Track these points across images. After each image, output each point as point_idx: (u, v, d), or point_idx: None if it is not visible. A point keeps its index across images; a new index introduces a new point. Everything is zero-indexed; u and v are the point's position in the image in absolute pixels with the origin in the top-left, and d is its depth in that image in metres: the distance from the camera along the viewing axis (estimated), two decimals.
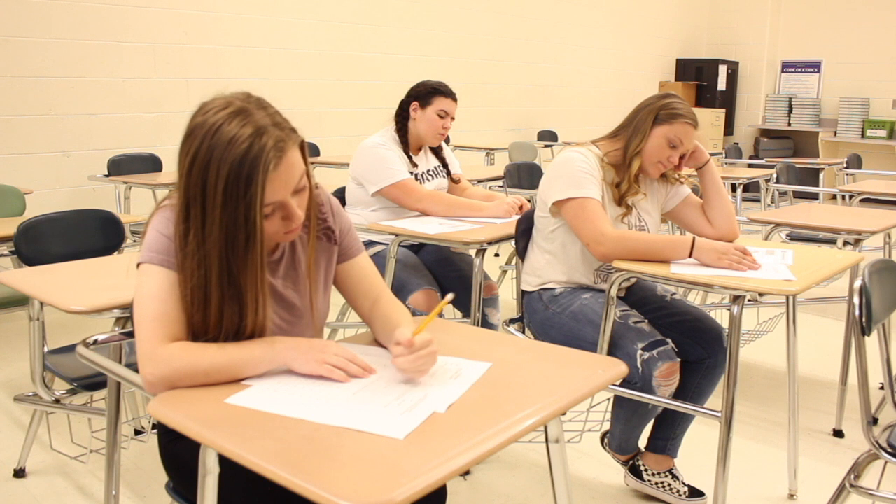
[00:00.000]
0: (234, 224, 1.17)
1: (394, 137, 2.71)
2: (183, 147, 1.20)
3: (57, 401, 2.00)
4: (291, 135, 1.22)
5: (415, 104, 2.69)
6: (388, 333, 1.35)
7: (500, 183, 4.34)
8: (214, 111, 1.18)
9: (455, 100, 2.72)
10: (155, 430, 1.45)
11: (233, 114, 1.18)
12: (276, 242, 1.33)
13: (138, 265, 1.26)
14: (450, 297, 1.27)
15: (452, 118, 2.72)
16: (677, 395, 2.04)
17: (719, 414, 1.89)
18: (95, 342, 1.60)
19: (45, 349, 2.07)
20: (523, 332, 2.36)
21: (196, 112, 1.21)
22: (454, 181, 2.87)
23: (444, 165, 2.85)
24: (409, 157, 2.71)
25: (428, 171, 2.78)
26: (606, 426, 2.31)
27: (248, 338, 1.26)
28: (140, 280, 1.24)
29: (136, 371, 1.21)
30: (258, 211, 1.17)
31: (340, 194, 2.79)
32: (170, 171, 4.21)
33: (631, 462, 2.25)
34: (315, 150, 5.30)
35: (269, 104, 1.25)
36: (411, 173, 2.67)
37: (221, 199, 1.16)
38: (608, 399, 2.30)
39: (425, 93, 2.68)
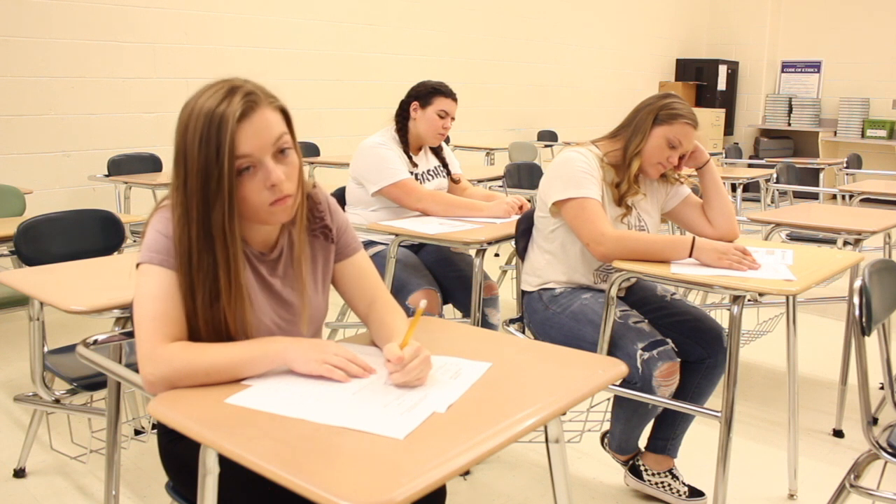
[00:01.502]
0: (208, 170, 1.20)
1: (394, 137, 2.71)
2: (176, 127, 1.26)
3: (57, 401, 2.00)
4: (270, 97, 1.26)
5: (415, 104, 2.69)
6: (384, 338, 1.35)
7: (500, 183, 4.34)
8: (202, 89, 1.26)
9: (455, 100, 2.72)
10: (155, 430, 1.45)
11: (215, 83, 1.25)
12: (267, 220, 1.29)
13: (138, 265, 1.26)
14: (423, 304, 1.27)
15: (452, 118, 2.72)
16: (677, 395, 2.04)
17: (719, 414, 1.89)
18: (95, 342, 1.60)
19: (45, 349, 2.07)
20: (523, 332, 2.36)
21: None
22: (454, 181, 2.87)
23: (444, 165, 2.85)
24: (409, 157, 2.71)
25: (428, 171, 2.78)
26: (606, 426, 2.31)
27: (234, 329, 1.26)
28: (140, 280, 1.24)
29: (136, 371, 1.21)
30: (227, 155, 1.19)
31: (340, 194, 2.79)
32: (170, 170, 4.21)
33: (631, 462, 2.25)
34: (315, 150, 5.30)
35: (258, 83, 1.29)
36: (411, 173, 2.67)
37: (197, 146, 1.21)
38: (608, 399, 2.30)
39: (425, 93, 2.68)
